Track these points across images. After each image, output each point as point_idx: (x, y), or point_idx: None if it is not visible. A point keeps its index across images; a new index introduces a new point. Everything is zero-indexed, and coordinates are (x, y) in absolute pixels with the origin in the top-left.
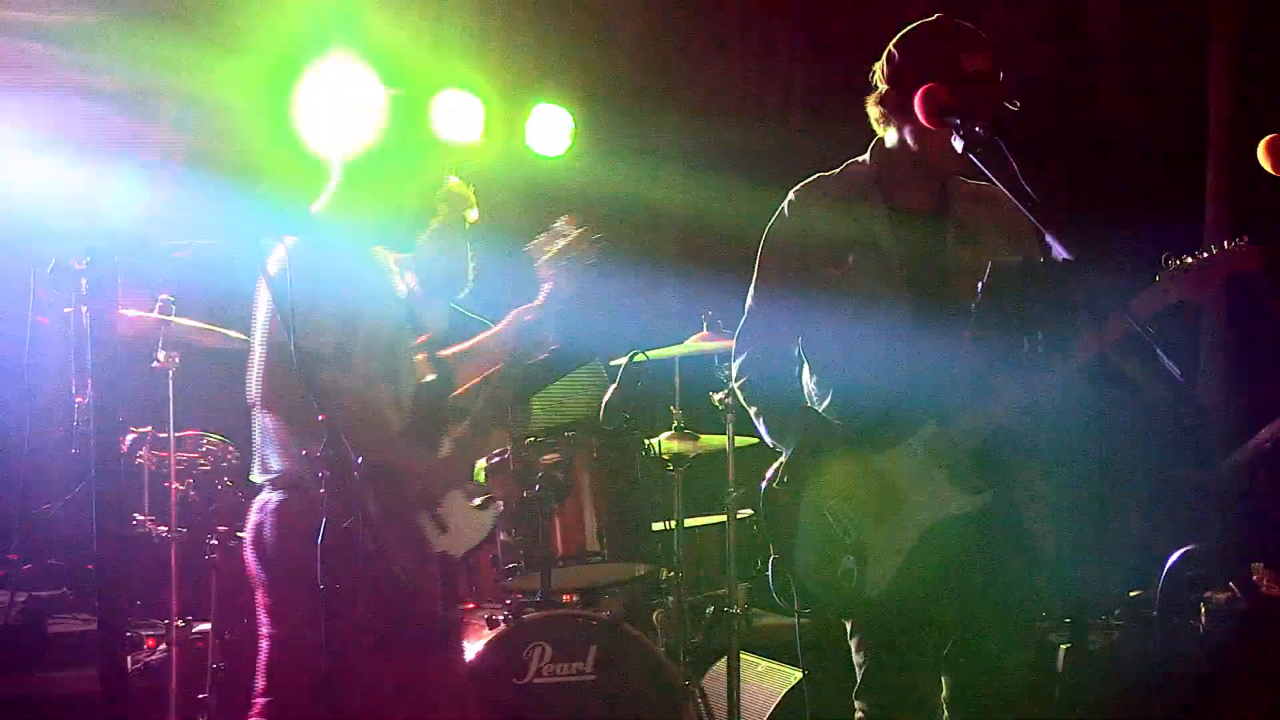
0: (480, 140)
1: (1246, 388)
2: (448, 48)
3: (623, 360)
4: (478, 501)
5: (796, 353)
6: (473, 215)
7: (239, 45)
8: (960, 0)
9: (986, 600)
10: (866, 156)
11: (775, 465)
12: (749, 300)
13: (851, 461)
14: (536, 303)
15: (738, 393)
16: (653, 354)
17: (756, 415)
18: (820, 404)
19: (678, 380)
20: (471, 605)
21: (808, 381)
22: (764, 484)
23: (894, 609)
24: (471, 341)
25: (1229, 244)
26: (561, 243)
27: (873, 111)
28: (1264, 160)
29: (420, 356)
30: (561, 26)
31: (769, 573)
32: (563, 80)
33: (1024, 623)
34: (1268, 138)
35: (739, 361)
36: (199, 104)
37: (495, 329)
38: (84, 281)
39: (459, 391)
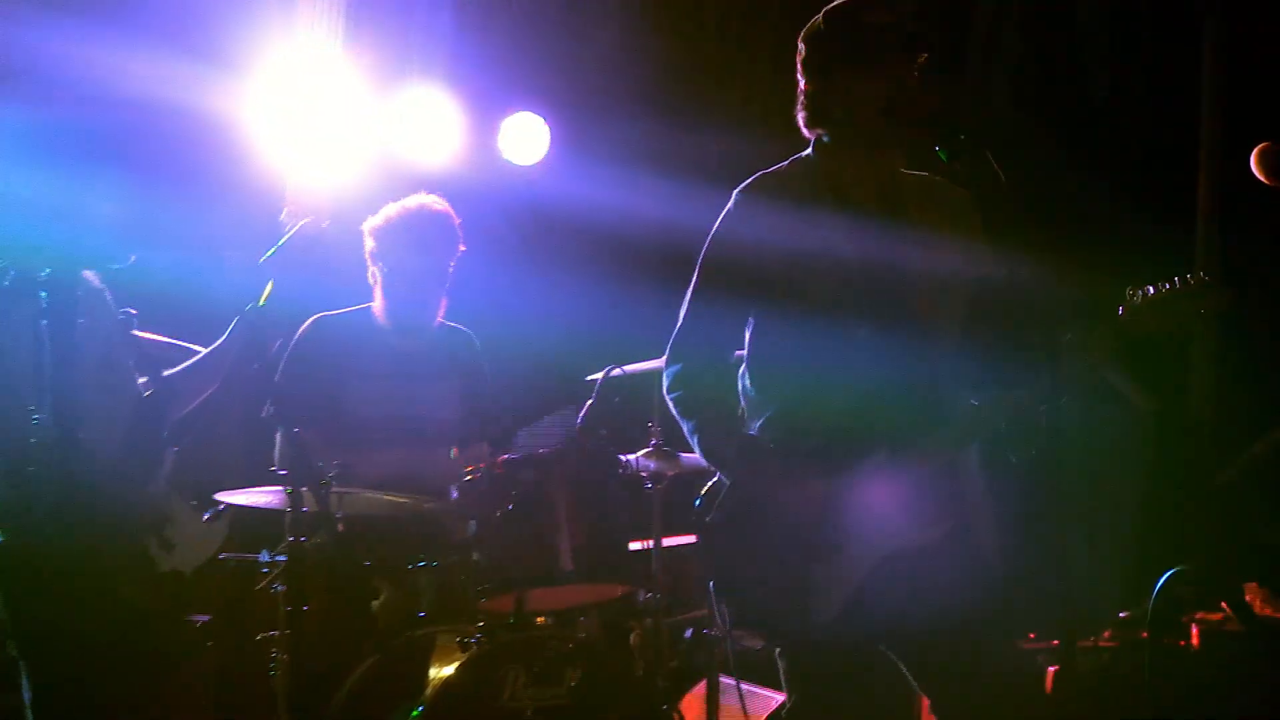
0: (454, 149)
1: (1239, 402)
2: (420, 55)
3: (599, 375)
4: (207, 516)
5: (732, 363)
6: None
7: (215, 58)
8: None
9: (943, 637)
10: (810, 152)
11: (708, 491)
12: (685, 308)
13: (794, 489)
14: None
15: (670, 406)
16: (630, 368)
17: (691, 433)
18: (757, 418)
19: (656, 395)
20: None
21: (745, 392)
22: (698, 510)
23: (839, 644)
24: (195, 359)
25: (1193, 279)
26: (283, 236)
27: (801, 117)
28: (1256, 169)
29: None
30: (536, 33)
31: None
32: (537, 87)
33: (992, 659)
34: (1260, 146)
35: (673, 373)
36: (163, 113)
37: (217, 342)
38: (44, 295)
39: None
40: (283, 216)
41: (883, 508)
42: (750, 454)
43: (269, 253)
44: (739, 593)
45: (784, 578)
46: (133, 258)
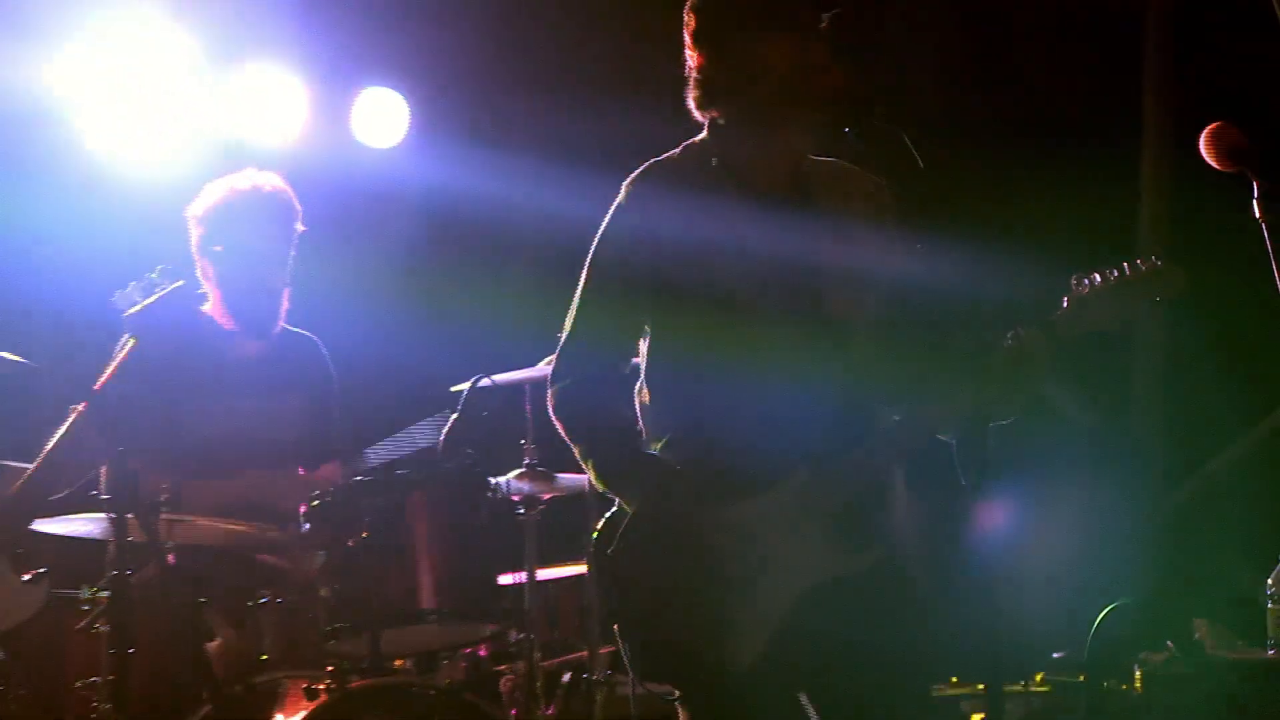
0: (300, 130)
1: (1188, 414)
2: (262, 24)
3: (465, 386)
4: (27, 577)
5: (628, 376)
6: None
7: (25, 27)
8: None
9: (872, 680)
10: (705, 135)
11: (609, 519)
12: (572, 314)
13: (705, 515)
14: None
15: (558, 427)
16: (501, 378)
17: (584, 456)
18: (659, 438)
19: (530, 409)
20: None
21: (643, 409)
22: (596, 543)
23: (760, 689)
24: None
25: (1144, 264)
26: (157, 291)
27: (692, 97)
28: (1206, 151)
29: None
30: None
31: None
32: (395, 60)
33: (916, 701)
34: (1210, 127)
35: (559, 389)
36: None
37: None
38: None
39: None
40: (154, 275)
41: (806, 534)
42: (654, 477)
43: (135, 308)
44: (646, 634)
45: (698, 616)
46: None
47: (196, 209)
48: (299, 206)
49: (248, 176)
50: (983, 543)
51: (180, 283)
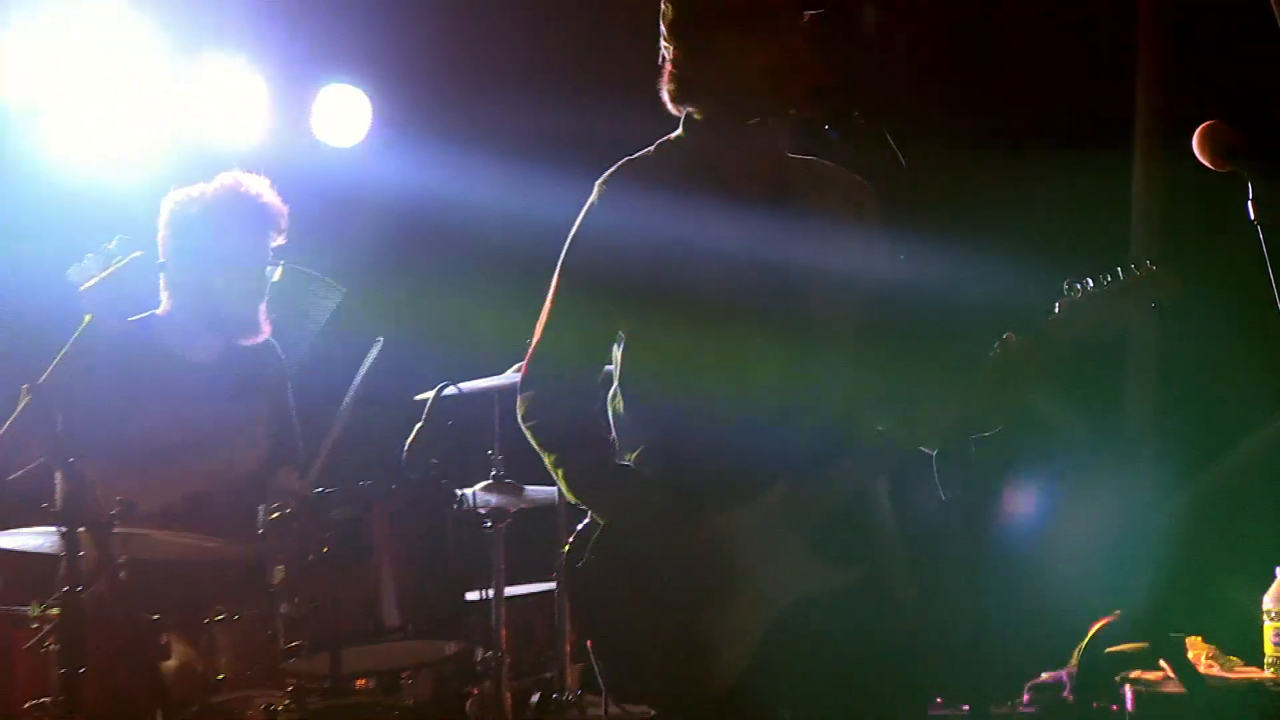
0: (258, 128)
1: (1180, 428)
2: (219, 16)
3: (430, 394)
4: None
5: (599, 383)
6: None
7: None
8: None
9: (856, 699)
10: (681, 132)
11: (580, 532)
12: (542, 320)
13: (682, 529)
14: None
15: (528, 437)
16: (467, 386)
17: (555, 466)
18: (633, 448)
19: (497, 418)
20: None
21: (616, 418)
22: (567, 557)
23: (740, 709)
24: None
25: (1138, 268)
26: (115, 262)
27: (667, 91)
28: (1199, 150)
29: None
30: None
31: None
32: (357, 54)
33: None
34: (1203, 126)
35: (529, 397)
36: None
37: None
38: None
39: None
40: (111, 245)
41: (788, 548)
42: (628, 489)
43: (90, 282)
44: (621, 653)
45: (675, 633)
46: None
47: (181, 205)
48: (285, 213)
49: (236, 176)
50: (970, 555)
51: (139, 253)
